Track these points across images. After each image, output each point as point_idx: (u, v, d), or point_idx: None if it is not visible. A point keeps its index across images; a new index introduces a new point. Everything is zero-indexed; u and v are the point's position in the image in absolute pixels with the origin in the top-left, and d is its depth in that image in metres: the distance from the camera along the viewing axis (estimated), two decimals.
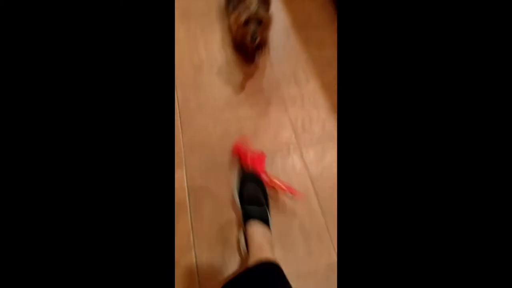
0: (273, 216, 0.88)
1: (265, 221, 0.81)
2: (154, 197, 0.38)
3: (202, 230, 0.90)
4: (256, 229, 0.79)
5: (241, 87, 1.15)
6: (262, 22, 1.08)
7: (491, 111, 0.37)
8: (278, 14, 1.38)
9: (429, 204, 0.38)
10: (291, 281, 0.62)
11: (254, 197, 0.85)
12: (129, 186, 0.37)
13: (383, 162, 0.39)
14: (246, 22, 1.07)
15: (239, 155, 0.96)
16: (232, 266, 0.86)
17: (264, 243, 0.75)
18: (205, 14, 1.32)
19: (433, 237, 0.37)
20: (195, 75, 1.17)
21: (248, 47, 1.14)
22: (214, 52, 1.23)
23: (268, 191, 0.90)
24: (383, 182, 0.39)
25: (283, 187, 0.90)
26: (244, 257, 0.86)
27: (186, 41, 1.25)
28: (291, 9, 1.37)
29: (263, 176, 0.90)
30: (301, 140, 1.05)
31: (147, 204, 0.38)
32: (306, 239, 0.90)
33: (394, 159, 0.39)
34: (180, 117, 1.08)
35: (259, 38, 1.09)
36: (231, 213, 0.92)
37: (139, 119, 0.38)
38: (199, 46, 1.23)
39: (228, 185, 0.95)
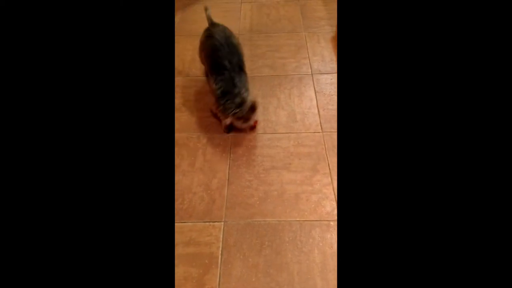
0: None
1: None
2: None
3: None
4: None
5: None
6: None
7: (490, 111, 0.37)
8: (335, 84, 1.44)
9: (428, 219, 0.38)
10: None
11: None
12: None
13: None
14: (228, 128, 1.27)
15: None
16: None
17: None
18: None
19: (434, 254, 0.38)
20: (249, 134, 1.26)
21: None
22: (270, 114, 1.31)
23: None
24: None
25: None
26: None
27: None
28: None
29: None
30: None
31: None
32: None
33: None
34: (229, 171, 1.15)
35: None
36: (258, 282, 0.91)
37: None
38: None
39: (260, 252, 0.95)
